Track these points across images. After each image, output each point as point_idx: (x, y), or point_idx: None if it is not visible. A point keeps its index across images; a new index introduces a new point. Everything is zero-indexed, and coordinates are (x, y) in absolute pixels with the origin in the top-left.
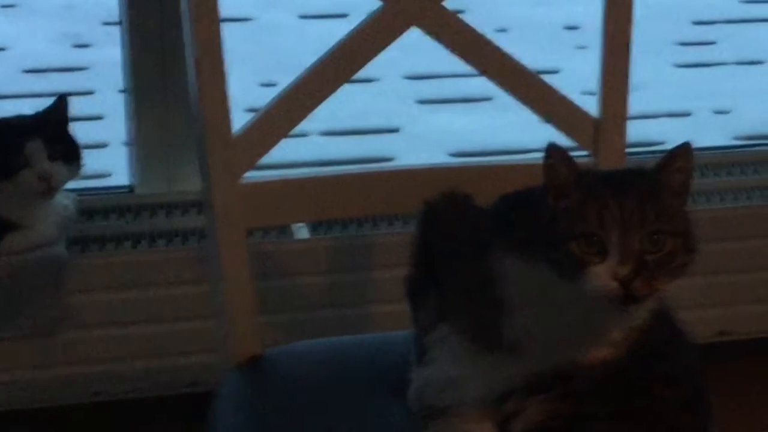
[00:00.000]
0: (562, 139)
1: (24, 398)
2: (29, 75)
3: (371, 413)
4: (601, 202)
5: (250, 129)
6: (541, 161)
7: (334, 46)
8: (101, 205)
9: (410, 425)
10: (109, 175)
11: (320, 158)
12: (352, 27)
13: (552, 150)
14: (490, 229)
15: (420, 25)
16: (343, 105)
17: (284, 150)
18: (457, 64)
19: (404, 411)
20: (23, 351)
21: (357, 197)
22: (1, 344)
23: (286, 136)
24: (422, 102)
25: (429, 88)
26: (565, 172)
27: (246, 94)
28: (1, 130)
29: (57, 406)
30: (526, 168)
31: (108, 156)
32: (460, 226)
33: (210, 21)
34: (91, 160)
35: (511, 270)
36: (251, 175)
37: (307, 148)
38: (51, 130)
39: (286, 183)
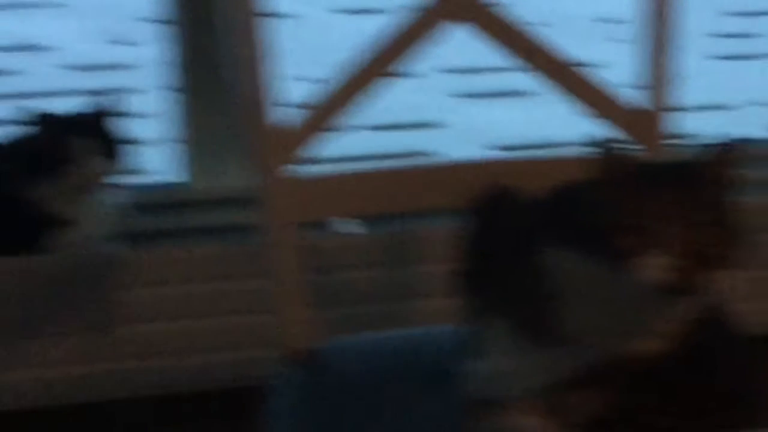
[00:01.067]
0: (606, 132)
1: (80, 393)
2: (72, 72)
3: (422, 406)
4: (647, 193)
5: (297, 123)
6: (587, 154)
7: (380, 40)
8: (156, 201)
9: (461, 418)
10: (156, 171)
11: (362, 153)
12: (385, 22)
13: (599, 143)
14: (539, 222)
15: (466, 20)
16: (385, 99)
17: (326, 145)
18: (499, 58)
19: (454, 404)
20: (76, 346)
21: (404, 192)
22: (57, 340)
23: (332, 130)
24: (464, 96)
25: (471, 82)
26: (613, 165)
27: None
28: (46, 126)
29: (113, 400)
30: (572, 161)
31: (154, 152)
32: (509, 219)
33: (252, 16)
34: (137, 157)
35: (560, 262)
36: (300, 170)
37: (348, 142)
38: (97, 127)
39: (334, 178)
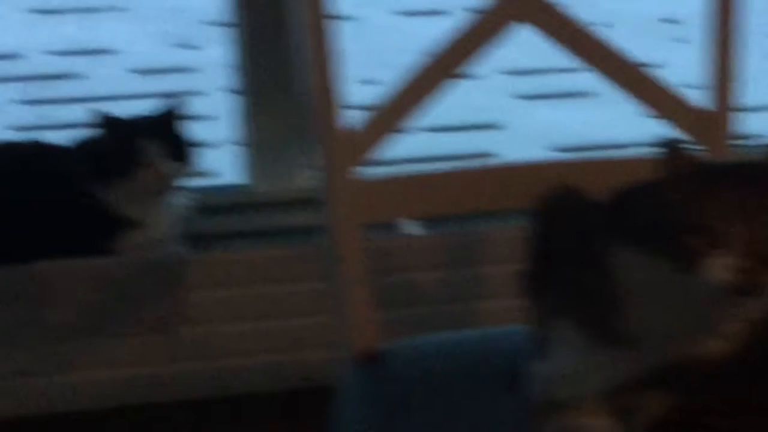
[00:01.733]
0: (670, 132)
1: (144, 393)
2: (137, 76)
3: (488, 406)
4: (716, 193)
5: (364, 125)
6: (652, 155)
7: (444, 42)
8: (218, 203)
9: (527, 419)
10: (218, 174)
11: (423, 154)
12: (451, 24)
13: (667, 143)
14: (604, 222)
15: (530, 21)
16: (445, 101)
17: (391, 146)
18: (557, 59)
19: (521, 405)
20: (142, 347)
21: (469, 193)
22: (121, 340)
23: (398, 132)
24: (524, 97)
25: (530, 83)
26: (681, 165)
27: (348, 90)
28: (117, 129)
29: (176, 401)
30: (637, 162)
31: (216, 155)
32: (575, 220)
33: (321, 18)
34: (201, 159)
35: (627, 263)
36: (365, 171)
37: (409, 144)
38: (165, 130)
39: (400, 179)
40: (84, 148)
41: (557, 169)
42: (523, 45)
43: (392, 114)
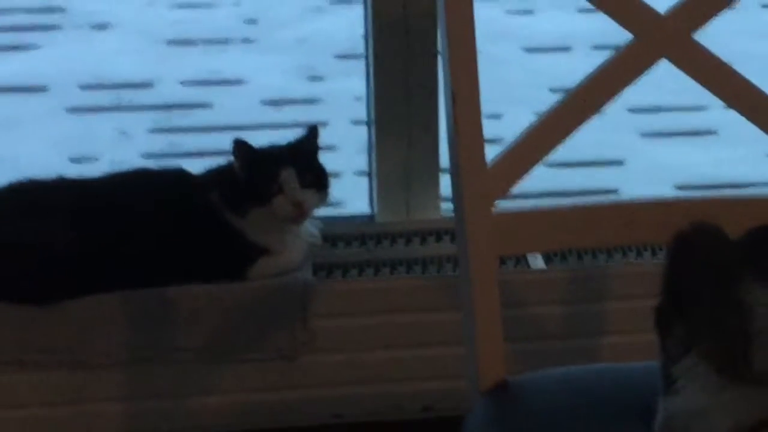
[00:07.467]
0: None
1: (267, 419)
2: (267, 107)
3: None
4: None
5: (503, 159)
6: None
7: (584, 79)
8: (343, 233)
9: None
10: (343, 203)
11: (544, 189)
12: (574, 60)
13: None
14: (741, 260)
15: (670, 57)
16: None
17: (523, 181)
18: (679, 97)
19: None
20: (267, 373)
21: (602, 228)
22: (246, 366)
23: (535, 166)
24: (645, 135)
25: (651, 121)
26: None
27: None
28: (256, 158)
29: (296, 428)
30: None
31: (341, 185)
32: (711, 257)
33: (467, 55)
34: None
35: (762, 301)
36: (498, 205)
37: (531, 179)
38: (302, 159)
39: (535, 213)
40: (218, 175)
41: (689, 206)
42: (644, 82)
43: (530, 149)
